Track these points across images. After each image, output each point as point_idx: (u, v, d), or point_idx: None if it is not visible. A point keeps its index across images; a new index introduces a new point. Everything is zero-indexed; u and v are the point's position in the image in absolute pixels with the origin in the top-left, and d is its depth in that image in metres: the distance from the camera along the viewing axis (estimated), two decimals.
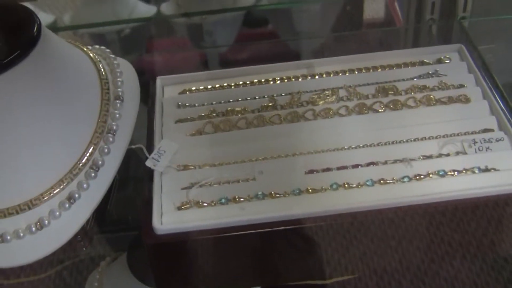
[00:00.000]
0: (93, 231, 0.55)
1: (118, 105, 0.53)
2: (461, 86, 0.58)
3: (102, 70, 0.55)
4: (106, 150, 0.52)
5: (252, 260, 0.49)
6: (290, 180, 0.50)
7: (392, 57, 0.62)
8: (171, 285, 0.51)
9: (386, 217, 0.47)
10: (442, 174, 0.49)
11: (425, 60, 0.62)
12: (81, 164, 0.51)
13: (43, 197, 0.50)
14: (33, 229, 0.50)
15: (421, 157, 0.51)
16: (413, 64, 0.61)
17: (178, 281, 0.50)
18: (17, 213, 0.50)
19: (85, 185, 0.51)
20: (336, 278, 0.70)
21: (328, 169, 0.51)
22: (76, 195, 0.51)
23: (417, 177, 0.50)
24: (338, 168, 0.51)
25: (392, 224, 0.48)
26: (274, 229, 0.46)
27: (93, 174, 0.51)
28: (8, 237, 0.50)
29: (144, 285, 0.69)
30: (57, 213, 0.50)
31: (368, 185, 0.49)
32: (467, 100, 0.56)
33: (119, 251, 0.77)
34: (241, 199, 0.49)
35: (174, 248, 0.48)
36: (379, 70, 0.61)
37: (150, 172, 0.52)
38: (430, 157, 0.51)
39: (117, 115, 0.53)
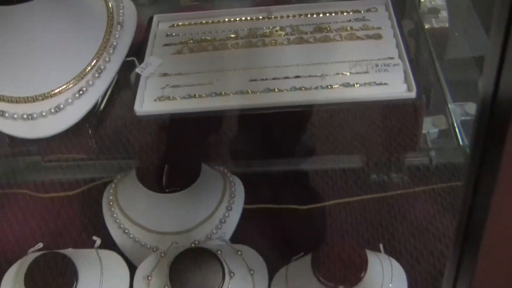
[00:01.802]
0: (98, 120, 0.75)
1: (119, 28, 0.74)
2: (379, 28, 0.77)
3: (109, 3, 0.75)
4: (107, 59, 0.72)
5: (202, 139, 0.69)
6: (237, 86, 0.69)
7: (333, 6, 0.81)
8: (148, 158, 0.71)
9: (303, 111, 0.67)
10: (347, 85, 0.69)
11: (358, 9, 0.81)
12: (89, 68, 0.71)
13: (61, 90, 0.70)
14: (53, 111, 0.70)
15: (335, 74, 0.70)
16: (348, 12, 0.80)
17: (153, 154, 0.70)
18: (42, 99, 0.70)
19: (91, 82, 0.71)
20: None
21: (266, 79, 0.70)
22: (84, 89, 0.71)
23: (328, 87, 0.69)
24: (273, 79, 0.70)
25: (307, 117, 0.67)
26: (217, 115, 0.66)
27: (97, 75, 0.71)
28: (35, 116, 0.70)
29: (152, 191, 0.89)
30: (70, 100, 0.70)
31: (291, 90, 0.69)
32: (380, 37, 0.75)
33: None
34: (201, 96, 0.69)
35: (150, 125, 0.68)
36: (321, 15, 0.80)
37: (138, 77, 0.72)
38: (341, 74, 0.70)
39: (117, 35, 0.73)
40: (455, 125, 0.71)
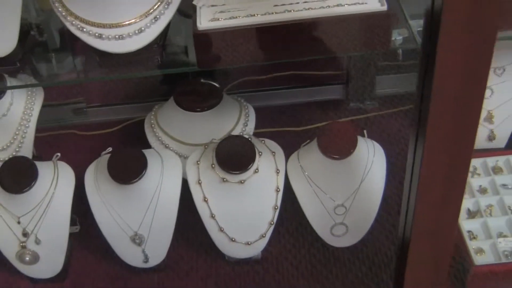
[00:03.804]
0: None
1: None
2: None
3: None
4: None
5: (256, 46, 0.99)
6: (264, 9, 1.01)
7: None
8: (209, 63, 1.01)
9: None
10: (339, 5, 1.01)
11: None
12: (159, 2, 1.02)
13: (141, 17, 1.01)
14: (137, 32, 1.01)
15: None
16: None
17: (214, 59, 1.00)
18: (129, 24, 1.01)
19: (162, 11, 1.02)
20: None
21: (284, 4, 1.02)
22: (158, 16, 1.01)
23: (327, 6, 1.01)
24: (289, 4, 1.02)
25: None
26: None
27: (166, 7, 1.02)
28: (124, 36, 1.01)
29: (186, 111, 1.18)
30: (149, 25, 1.00)
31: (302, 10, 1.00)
32: None
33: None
34: (239, 17, 1.00)
35: (208, 38, 0.99)
36: None
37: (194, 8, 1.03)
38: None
39: None
40: (415, 33, 1.04)
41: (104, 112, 1.39)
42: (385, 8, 0.98)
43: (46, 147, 1.32)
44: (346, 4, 0.99)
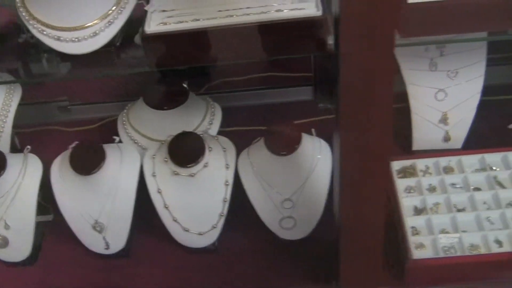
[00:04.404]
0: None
1: None
2: None
3: None
4: (126, 1, 1.11)
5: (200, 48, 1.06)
6: (209, 15, 1.08)
7: None
8: (158, 63, 1.09)
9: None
10: (279, 11, 1.08)
11: None
12: (114, 7, 1.11)
13: (97, 21, 1.10)
14: (92, 35, 1.09)
15: (272, 5, 1.09)
16: None
17: (162, 60, 1.08)
18: (86, 28, 1.09)
19: (116, 16, 1.10)
20: None
21: (227, 10, 1.09)
22: (112, 21, 1.10)
23: (267, 12, 1.08)
24: (233, 9, 1.10)
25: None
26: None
27: (120, 12, 1.10)
28: (80, 39, 1.09)
29: (154, 109, 1.26)
30: (103, 28, 1.09)
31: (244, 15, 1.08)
32: None
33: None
34: (186, 21, 1.08)
35: (156, 41, 1.07)
36: None
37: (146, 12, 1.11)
38: (276, 4, 1.09)
39: None
40: None
41: (86, 110, 1.48)
42: (320, 13, 1.05)
43: (31, 142, 1.41)
44: (286, 10, 1.06)
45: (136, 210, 1.19)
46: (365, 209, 1.00)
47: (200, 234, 1.18)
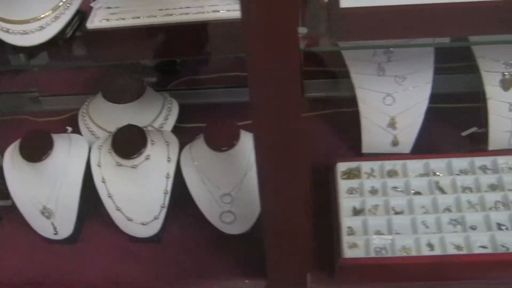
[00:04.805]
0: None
1: None
2: None
3: None
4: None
5: (139, 45, 1.12)
6: (149, 13, 1.13)
7: None
8: (101, 58, 1.14)
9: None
10: (216, 11, 1.12)
11: None
12: (61, 3, 1.16)
13: (44, 16, 1.15)
14: (39, 28, 1.15)
15: (210, 6, 1.13)
16: None
17: (104, 55, 1.14)
18: (33, 21, 1.15)
19: (63, 11, 1.16)
20: None
21: (167, 9, 1.14)
22: (58, 15, 1.15)
23: (205, 12, 1.12)
24: (173, 8, 1.14)
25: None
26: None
27: (67, 7, 1.16)
28: (28, 31, 1.15)
29: (111, 103, 1.32)
30: (50, 23, 1.14)
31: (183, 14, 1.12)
32: None
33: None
34: (128, 19, 1.13)
35: (97, 36, 1.11)
36: None
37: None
38: (212, 5, 1.13)
39: None
40: None
41: (56, 101, 1.54)
42: None
43: (4, 131, 1.48)
44: (222, 10, 1.10)
45: (84, 198, 1.23)
46: (286, 209, 1.04)
47: (143, 224, 1.22)
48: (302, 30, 1.11)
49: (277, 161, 0.97)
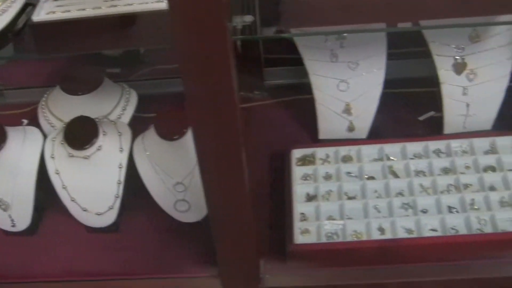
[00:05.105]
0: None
1: None
2: None
3: None
4: None
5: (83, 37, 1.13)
6: (94, 4, 1.14)
7: None
8: (46, 51, 1.15)
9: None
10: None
11: None
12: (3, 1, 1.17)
13: None
14: None
15: None
16: None
17: (49, 48, 1.15)
18: None
19: (9, 5, 1.16)
20: None
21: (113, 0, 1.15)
22: (5, 9, 1.16)
23: (142, 3, 1.13)
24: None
25: None
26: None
27: (9, 4, 1.16)
28: None
29: (69, 94, 1.33)
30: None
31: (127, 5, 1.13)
32: None
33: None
34: (73, 11, 1.14)
35: (42, 29, 1.12)
36: None
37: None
38: None
39: None
40: None
41: (19, 94, 1.55)
42: None
43: None
44: (166, 1, 1.10)
45: (40, 190, 1.24)
46: (227, 198, 1.05)
47: (98, 214, 1.23)
48: (248, 18, 1.12)
49: (215, 152, 0.98)
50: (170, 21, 0.85)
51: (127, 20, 1.11)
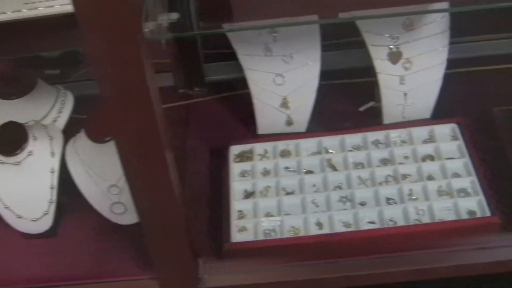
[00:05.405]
0: None
1: None
2: None
3: None
4: None
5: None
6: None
7: None
8: None
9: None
10: None
11: None
12: None
13: None
14: None
15: None
16: None
17: None
18: None
19: None
20: None
21: None
22: None
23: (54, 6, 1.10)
24: None
25: None
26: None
27: None
28: None
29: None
30: None
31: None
32: None
33: None
34: (4, 13, 1.11)
35: None
36: None
37: None
38: None
39: None
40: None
41: None
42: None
43: None
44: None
45: None
46: (153, 199, 1.03)
47: (33, 220, 1.21)
48: (173, 16, 1.10)
49: (137, 155, 0.96)
50: (80, 24, 0.83)
51: (48, 23, 1.09)
